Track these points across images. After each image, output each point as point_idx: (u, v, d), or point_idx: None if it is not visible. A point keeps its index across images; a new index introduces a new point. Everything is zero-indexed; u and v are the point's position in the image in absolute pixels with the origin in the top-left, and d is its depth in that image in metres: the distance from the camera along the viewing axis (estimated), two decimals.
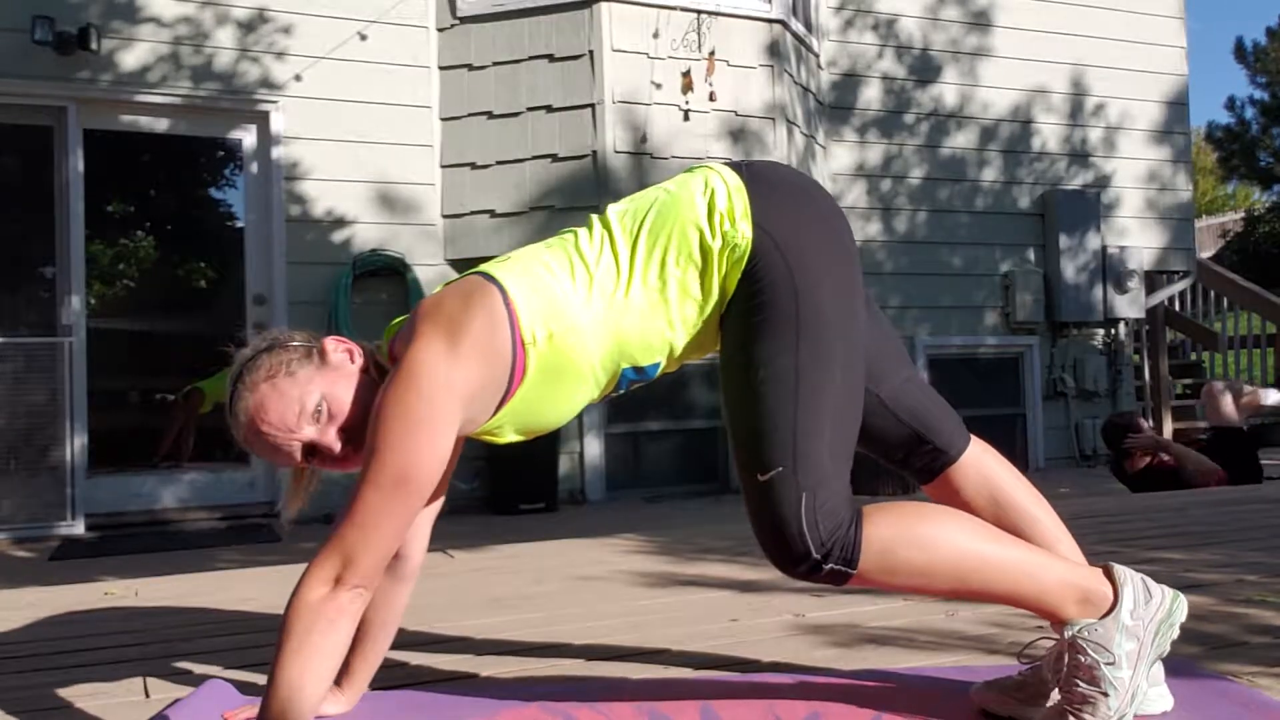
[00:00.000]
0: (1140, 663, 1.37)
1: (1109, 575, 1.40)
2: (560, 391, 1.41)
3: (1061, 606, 1.38)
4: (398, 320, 1.48)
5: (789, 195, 1.43)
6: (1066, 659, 1.38)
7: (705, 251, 1.40)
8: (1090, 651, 1.36)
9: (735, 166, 1.47)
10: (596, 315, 1.39)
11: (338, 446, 1.41)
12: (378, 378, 1.44)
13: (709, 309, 1.42)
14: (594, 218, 1.48)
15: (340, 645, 1.30)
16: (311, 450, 1.41)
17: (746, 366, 1.38)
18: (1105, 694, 1.35)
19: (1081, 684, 1.36)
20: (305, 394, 1.39)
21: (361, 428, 1.38)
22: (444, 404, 1.30)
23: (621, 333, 1.40)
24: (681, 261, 1.40)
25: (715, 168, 1.46)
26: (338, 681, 1.58)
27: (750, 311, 1.39)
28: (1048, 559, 1.40)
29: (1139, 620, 1.38)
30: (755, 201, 1.40)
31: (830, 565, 1.34)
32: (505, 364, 1.35)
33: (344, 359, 1.44)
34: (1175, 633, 1.41)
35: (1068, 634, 1.37)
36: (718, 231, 1.39)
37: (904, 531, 1.36)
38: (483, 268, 1.43)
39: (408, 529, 1.32)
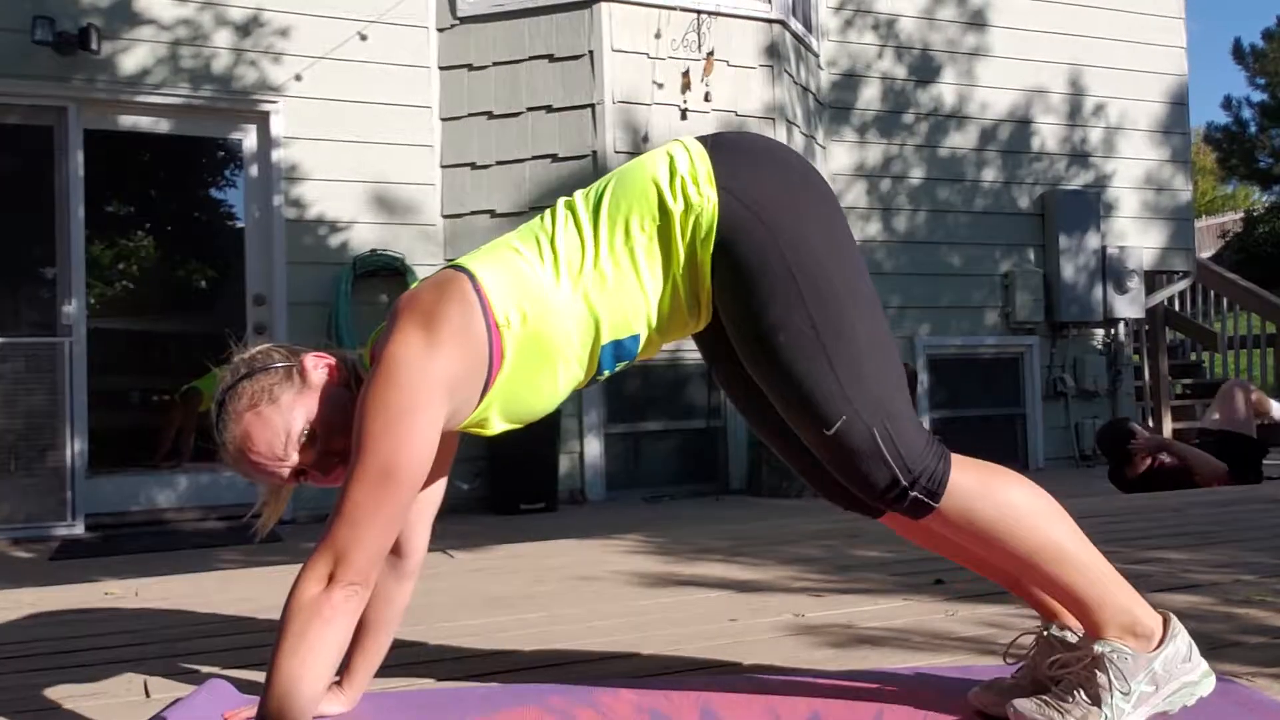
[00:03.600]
0: (1145, 706, 1.38)
1: (1165, 621, 1.41)
2: (542, 373, 1.40)
3: (1108, 624, 1.39)
4: (381, 326, 1.49)
5: (754, 156, 1.42)
6: (1080, 666, 1.39)
7: (666, 213, 1.39)
8: (1111, 674, 1.37)
9: (701, 138, 1.46)
10: (567, 291, 1.38)
11: (325, 466, 1.42)
12: (357, 391, 1.43)
13: (679, 276, 1.41)
14: (560, 200, 1.47)
15: (337, 644, 1.29)
16: (300, 471, 1.42)
17: (763, 338, 1.38)
18: (1100, 713, 1.36)
19: (1082, 693, 1.37)
20: (290, 421, 1.39)
21: (346, 444, 1.39)
22: (426, 395, 1.29)
23: (595, 305, 1.39)
24: (646, 225, 1.40)
25: (679, 139, 1.46)
26: (338, 680, 1.59)
27: (742, 284, 1.38)
28: (1117, 576, 1.40)
29: (1169, 672, 1.39)
30: (718, 165, 1.40)
31: (915, 493, 1.36)
32: (482, 349, 1.35)
33: (324, 376, 1.44)
34: (1191, 701, 1.41)
35: (1098, 649, 1.38)
36: (679, 194, 1.39)
37: (994, 487, 1.38)
38: (455, 260, 1.44)
39: (399, 524, 1.31)
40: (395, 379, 1.29)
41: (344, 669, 1.59)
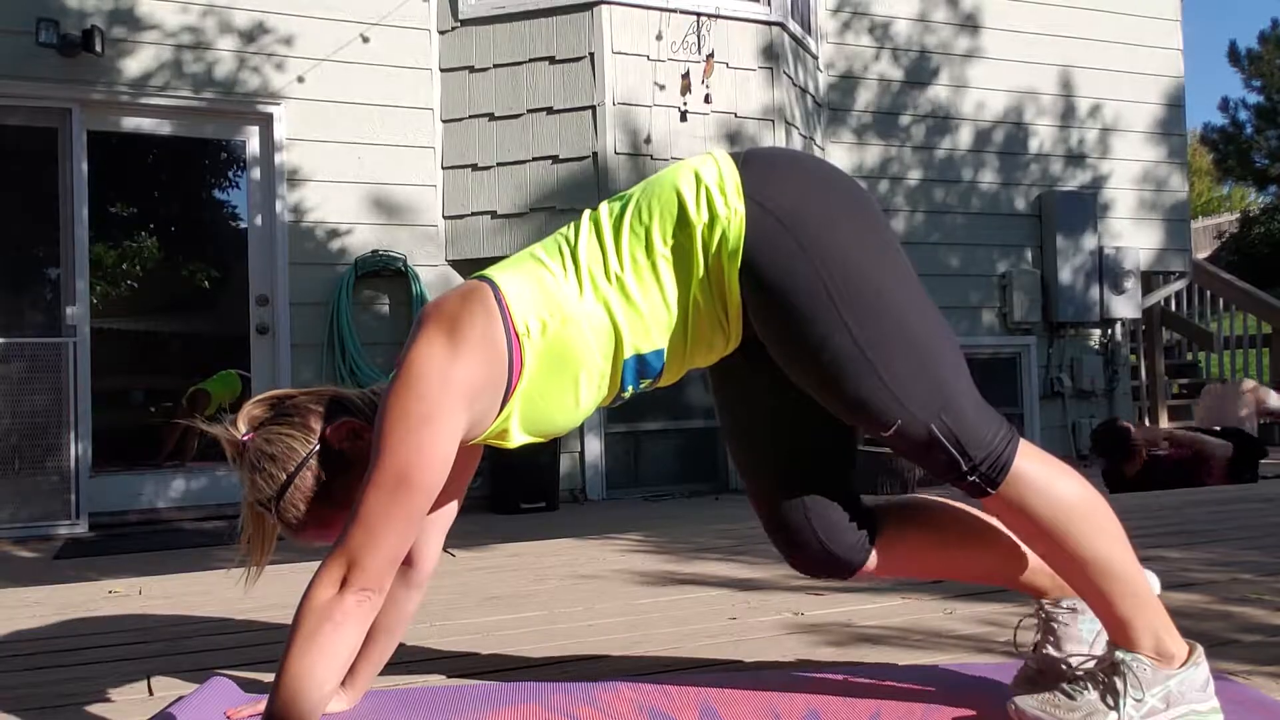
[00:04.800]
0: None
1: (1190, 650, 1.42)
2: (563, 385, 1.39)
3: (1137, 638, 1.40)
4: None
5: (782, 168, 1.41)
6: (1098, 667, 1.41)
7: (688, 225, 1.37)
8: (1129, 681, 1.38)
9: (731, 154, 1.45)
10: (589, 302, 1.37)
11: None
12: None
13: (701, 290, 1.38)
14: (585, 212, 1.46)
15: (347, 648, 1.29)
16: None
17: (807, 358, 1.38)
18: (1109, 714, 1.37)
19: (1094, 694, 1.38)
20: (350, 499, 1.37)
21: None
22: (446, 403, 1.29)
23: (616, 317, 1.38)
24: (669, 237, 1.38)
25: (709, 153, 1.45)
26: (341, 681, 1.60)
27: (776, 304, 1.36)
28: (1154, 598, 1.42)
29: (1182, 694, 1.39)
30: (747, 177, 1.38)
31: (973, 478, 1.38)
32: (502, 358, 1.34)
33: (355, 446, 1.41)
34: None
35: (1119, 655, 1.39)
36: (703, 205, 1.37)
37: (1055, 484, 1.39)
38: (481, 271, 1.43)
39: (414, 531, 1.31)
40: (416, 386, 1.29)
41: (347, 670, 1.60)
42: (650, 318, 1.39)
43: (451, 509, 1.59)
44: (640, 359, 1.41)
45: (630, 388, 1.45)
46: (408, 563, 1.57)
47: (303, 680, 1.26)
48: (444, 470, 1.31)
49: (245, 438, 1.41)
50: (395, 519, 1.28)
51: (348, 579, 1.28)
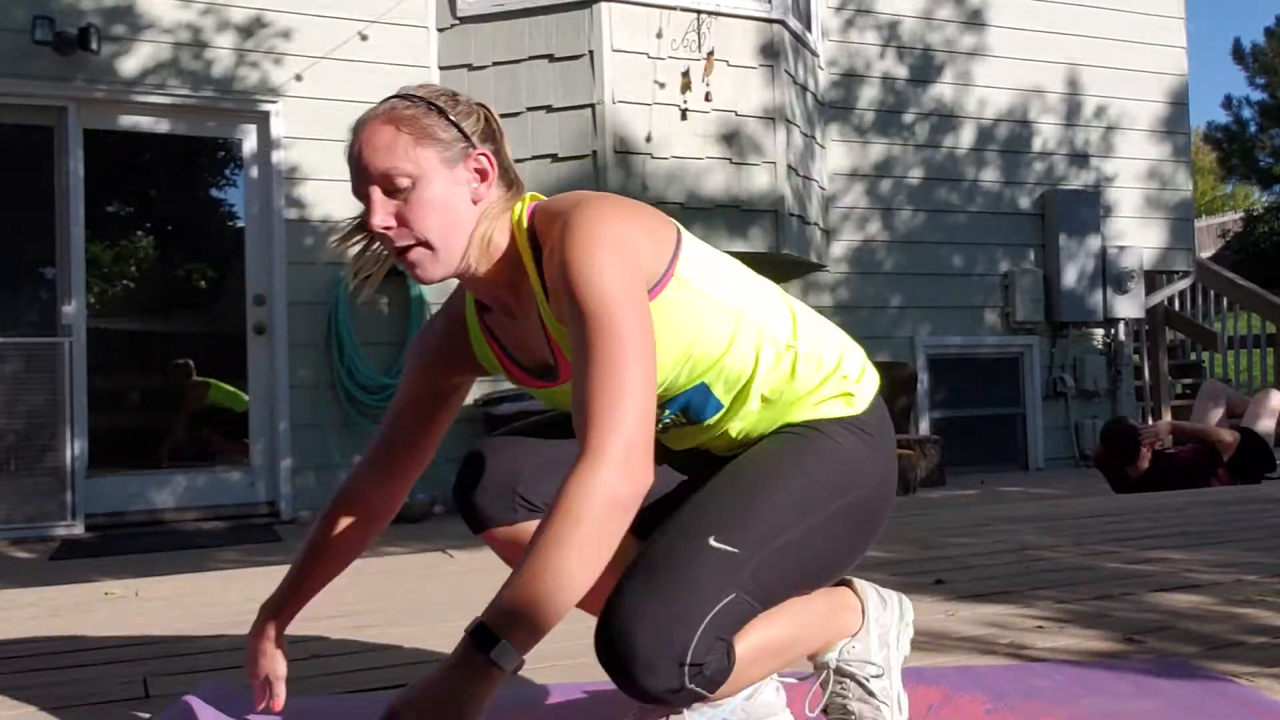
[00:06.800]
0: (895, 669, 1.41)
1: (852, 589, 1.43)
2: (668, 343, 1.28)
3: (822, 649, 1.40)
4: (528, 196, 1.37)
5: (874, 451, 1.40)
6: (830, 687, 1.39)
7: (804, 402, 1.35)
8: (857, 670, 1.38)
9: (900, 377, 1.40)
10: (735, 312, 1.30)
11: (392, 231, 1.28)
12: (500, 206, 1.32)
13: (766, 408, 1.35)
14: (796, 306, 1.41)
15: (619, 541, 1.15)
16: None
17: (777, 465, 1.31)
18: (878, 708, 1.37)
19: (855, 703, 1.38)
20: (399, 165, 1.26)
21: (423, 241, 1.27)
22: (632, 235, 1.22)
23: (728, 356, 1.31)
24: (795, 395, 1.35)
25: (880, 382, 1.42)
26: (287, 602, 1.49)
27: (804, 450, 1.33)
28: (810, 605, 1.34)
29: (884, 626, 1.42)
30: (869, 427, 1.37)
31: (691, 686, 1.17)
32: (661, 263, 1.26)
33: (473, 178, 1.31)
34: (911, 632, 1.45)
35: (830, 661, 1.38)
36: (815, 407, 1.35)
37: (744, 654, 1.24)
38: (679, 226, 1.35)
39: (655, 379, 1.19)
40: (596, 229, 1.21)
41: (296, 590, 1.49)
42: (732, 376, 1.33)
43: (424, 457, 1.51)
44: (706, 391, 1.33)
45: (670, 414, 1.36)
46: (375, 502, 1.50)
47: (573, 579, 1.10)
48: (647, 306, 1.20)
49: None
50: (635, 367, 1.15)
51: (624, 458, 1.12)
